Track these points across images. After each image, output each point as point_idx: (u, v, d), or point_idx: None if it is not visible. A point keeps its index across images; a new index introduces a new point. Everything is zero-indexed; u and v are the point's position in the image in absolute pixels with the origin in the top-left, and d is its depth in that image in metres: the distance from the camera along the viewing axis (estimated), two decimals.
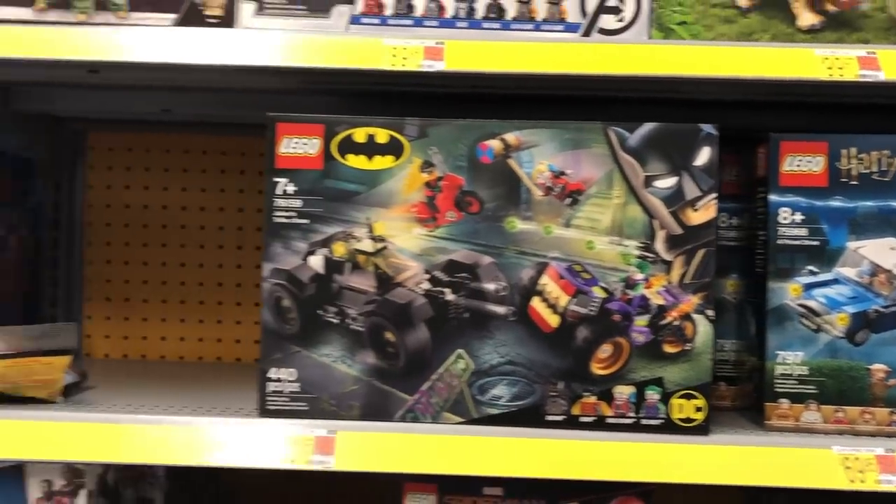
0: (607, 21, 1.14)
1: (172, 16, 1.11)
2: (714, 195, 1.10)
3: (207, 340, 1.77)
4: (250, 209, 1.76)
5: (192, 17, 1.11)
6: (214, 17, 1.11)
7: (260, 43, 1.10)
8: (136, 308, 1.77)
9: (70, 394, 1.19)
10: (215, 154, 1.76)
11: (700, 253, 1.10)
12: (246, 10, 1.12)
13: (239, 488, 1.60)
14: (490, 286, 1.10)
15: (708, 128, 1.10)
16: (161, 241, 1.77)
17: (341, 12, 1.13)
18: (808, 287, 1.13)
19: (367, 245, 1.11)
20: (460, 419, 1.10)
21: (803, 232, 1.13)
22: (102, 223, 1.78)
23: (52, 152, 1.72)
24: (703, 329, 1.09)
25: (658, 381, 1.09)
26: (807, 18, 1.16)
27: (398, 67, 1.08)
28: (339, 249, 1.11)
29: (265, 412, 1.11)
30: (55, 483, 1.12)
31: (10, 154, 1.66)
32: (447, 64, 1.08)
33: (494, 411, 1.10)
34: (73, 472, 1.12)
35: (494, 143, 1.10)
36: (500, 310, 1.10)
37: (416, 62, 1.08)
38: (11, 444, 1.10)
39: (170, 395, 1.29)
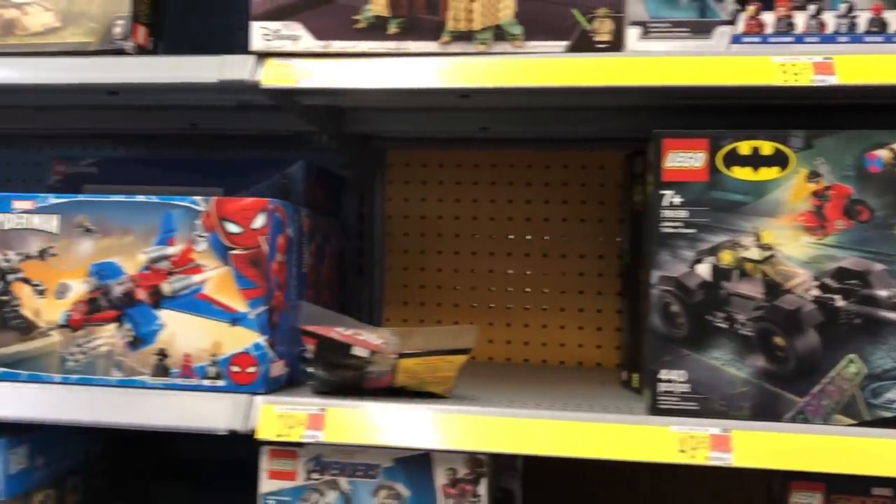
0: None
1: (564, 43, 1.20)
2: None
3: (497, 342, 1.87)
4: (537, 219, 1.86)
5: (583, 43, 1.19)
6: (603, 42, 1.19)
7: (648, 65, 1.18)
8: (430, 311, 1.90)
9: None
10: (503, 167, 1.87)
11: None
12: (632, 35, 1.20)
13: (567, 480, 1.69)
14: (882, 293, 1.13)
15: None
16: (454, 249, 1.89)
17: (723, 32, 1.19)
18: None
19: (754, 253, 1.16)
20: (852, 421, 1.14)
21: None
22: (400, 233, 1.92)
23: (359, 169, 1.87)
24: None
25: None
26: None
27: (790, 83, 1.13)
28: (727, 257, 1.17)
29: (656, 411, 1.18)
30: (459, 471, 1.23)
31: (331, 172, 1.83)
32: (839, 78, 1.12)
33: (888, 414, 1.13)
34: (475, 462, 1.23)
35: (883, 153, 1.13)
36: (894, 316, 1.12)
37: (807, 77, 1.13)
38: (419, 434, 1.22)
39: (521, 392, 1.38)
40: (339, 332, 1.23)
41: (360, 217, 1.92)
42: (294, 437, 1.22)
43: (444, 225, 1.90)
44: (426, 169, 1.90)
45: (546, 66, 1.19)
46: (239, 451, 1.85)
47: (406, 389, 1.27)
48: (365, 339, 1.22)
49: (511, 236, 1.87)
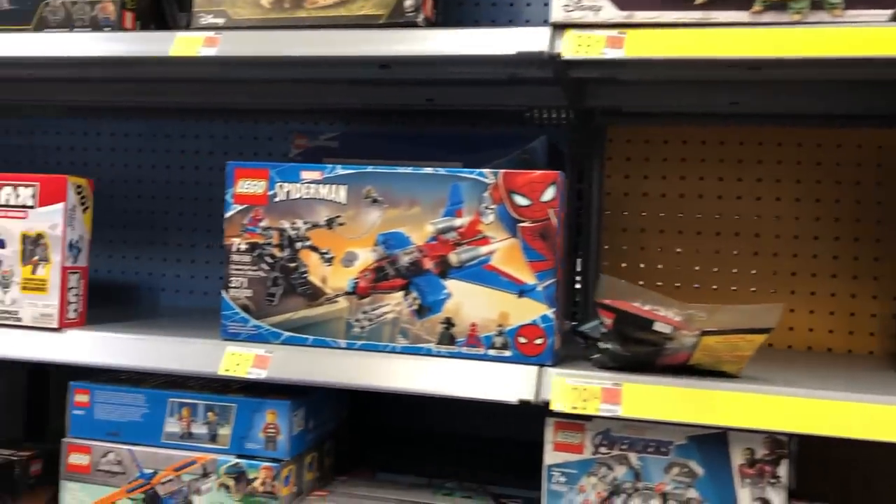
0: None
1: (888, 12, 1.15)
2: None
3: None
4: (768, 198, 1.80)
5: None
6: None
7: None
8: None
9: None
10: (733, 144, 1.82)
11: None
12: None
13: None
14: None
15: None
16: (677, 228, 1.86)
17: None
18: None
19: None
20: None
21: None
22: (620, 211, 1.89)
23: (579, 145, 1.86)
24: None
25: None
26: None
27: None
28: None
29: None
30: (757, 451, 1.21)
31: (553, 146, 1.81)
32: None
33: None
34: (775, 443, 1.20)
35: None
36: None
37: None
38: (714, 412, 1.19)
39: (799, 374, 1.34)
40: (638, 307, 1.22)
41: (577, 193, 1.90)
42: (590, 411, 1.21)
43: (668, 203, 1.86)
44: (648, 145, 1.87)
45: (870, 36, 1.14)
46: (472, 422, 1.88)
47: (696, 368, 1.25)
48: (665, 315, 1.21)
49: (739, 215, 1.82)
